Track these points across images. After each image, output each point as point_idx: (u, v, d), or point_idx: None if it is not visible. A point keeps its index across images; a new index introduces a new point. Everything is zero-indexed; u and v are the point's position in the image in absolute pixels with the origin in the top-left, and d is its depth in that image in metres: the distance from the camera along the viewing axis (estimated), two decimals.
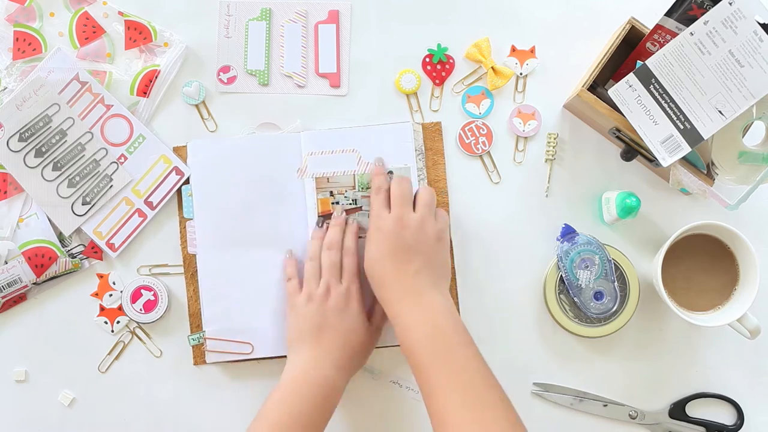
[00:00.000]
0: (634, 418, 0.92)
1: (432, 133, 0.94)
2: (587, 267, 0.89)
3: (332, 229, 0.89)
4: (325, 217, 0.91)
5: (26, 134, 0.88)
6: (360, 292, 0.87)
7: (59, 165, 0.88)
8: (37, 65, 0.92)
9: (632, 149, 0.88)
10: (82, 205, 0.88)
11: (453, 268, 0.92)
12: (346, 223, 0.90)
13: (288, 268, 0.89)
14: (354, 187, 0.92)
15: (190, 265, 0.92)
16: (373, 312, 0.89)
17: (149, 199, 0.91)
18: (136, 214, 0.91)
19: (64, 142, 0.88)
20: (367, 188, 0.92)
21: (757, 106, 0.83)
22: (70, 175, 0.89)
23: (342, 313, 0.85)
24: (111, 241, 0.91)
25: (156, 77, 0.93)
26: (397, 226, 0.84)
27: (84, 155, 0.89)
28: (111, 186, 0.89)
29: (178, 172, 0.90)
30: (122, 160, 0.90)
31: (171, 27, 0.95)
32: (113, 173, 0.89)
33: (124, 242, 0.91)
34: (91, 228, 0.92)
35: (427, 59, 0.95)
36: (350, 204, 0.91)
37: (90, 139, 0.89)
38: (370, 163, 0.92)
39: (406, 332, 0.79)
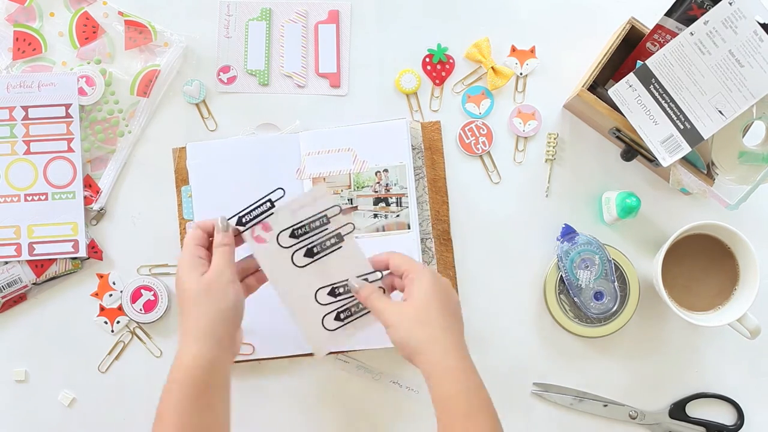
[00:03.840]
0: (634, 418, 0.92)
1: (431, 133, 0.94)
2: (587, 267, 0.89)
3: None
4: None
5: (299, 231, 0.80)
6: (191, 237, 0.78)
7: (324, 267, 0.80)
8: (37, 64, 0.92)
9: (632, 149, 0.88)
10: (334, 320, 0.81)
11: (453, 267, 0.93)
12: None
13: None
14: (350, 186, 0.92)
15: None
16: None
17: None
18: None
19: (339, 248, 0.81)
20: (363, 187, 0.91)
21: (757, 106, 0.83)
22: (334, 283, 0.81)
23: (178, 267, 0.77)
24: None
25: (156, 77, 0.93)
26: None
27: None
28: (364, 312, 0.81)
29: None
30: None
31: (171, 27, 0.95)
32: None
33: None
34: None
35: (427, 59, 0.95)
36: (346, 203, 0.91)
37: None
38: (366, 162, 0.92)
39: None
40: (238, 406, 0.93)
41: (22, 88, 0.92)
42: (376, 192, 0.91)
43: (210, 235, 0.80)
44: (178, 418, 0.72)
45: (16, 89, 0.92)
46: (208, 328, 0.75)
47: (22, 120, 0.92)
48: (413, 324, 0.74)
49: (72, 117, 0.93)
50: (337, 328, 0.80)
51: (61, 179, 0.93)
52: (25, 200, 0.92)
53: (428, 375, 0.74)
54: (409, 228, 0.91)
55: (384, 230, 0.91)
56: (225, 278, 0.76)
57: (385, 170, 0.91)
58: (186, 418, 0.73)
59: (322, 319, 0.80)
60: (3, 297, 0.92)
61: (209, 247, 0.79)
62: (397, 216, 0.91)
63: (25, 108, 0.92)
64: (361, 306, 0.81)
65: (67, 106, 0.93)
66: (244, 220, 0.80)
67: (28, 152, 0.93)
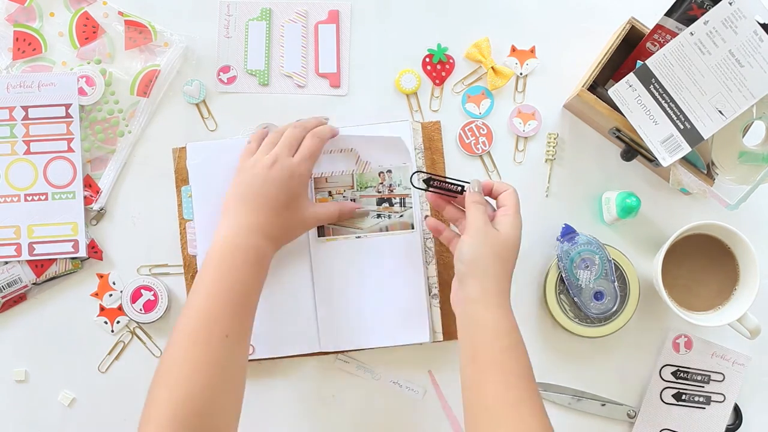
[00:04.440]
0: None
1: (431, 133, 0.94)
2: (587, 267, 0.89)
3: (312, 117, 0.90)
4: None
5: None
6: (308, 171, 0.86)
7: None
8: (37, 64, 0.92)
9: (632, 149, 0.88)
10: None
11: (453, 267, 0.92)
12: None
13: (254, 134, 0.89)
14: (352, 187, 0.92)
15: (190, 266, 0.92)
16: (320, 205, 0.89)
17: None
18: None
19: None
20: (366, 188, 0.91)
21: (757, 106, 0.83)
22: None
23: (281, 187, 0.83)
24: None
25: (156, 77, 0.93)
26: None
27: None
28: None
29: None
30: None
31: (171, 27, 0.95)
32: None
33: None
34: None
35: (427, 59, 0.95)
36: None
37: None
38: (369, 163, 0.92)
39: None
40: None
41: (22, 88, 0.92)
42: (380, 192, 0.92)
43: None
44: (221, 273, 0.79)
45: (16, 89, 0.92)
46: (279, 233, 0.84)
47: (22, 120, 0.92)
48: (489, 249, 0.78)
49: (72, 117, 0.93)
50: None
51: (61, 179, 0.93)
52: (25, 200, 0.92)
53: (471, 300, 0.78)
54: (412, 228, 0.91)
55: (387, 230, 0.91)
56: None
57: (389, 171, 0.91)
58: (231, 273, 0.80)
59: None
60: (3, 297, 0.92)
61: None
62: (401, 216, 0.91)
63: (25, 108, 0.92)
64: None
65: (67, 106, 0.93)
66: (433, 183, 0.84)
67: (28, 152, 0.93)
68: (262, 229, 0.82)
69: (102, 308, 0.93)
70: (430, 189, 0.84)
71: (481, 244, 0.78)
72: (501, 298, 0.78)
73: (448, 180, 0.84)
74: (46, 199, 0.93)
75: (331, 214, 0.89)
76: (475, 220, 0.79)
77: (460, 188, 0.84)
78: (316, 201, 0.91)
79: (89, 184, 0.94)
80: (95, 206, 0.93)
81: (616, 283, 0.89)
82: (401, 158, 0.91)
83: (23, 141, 0.93)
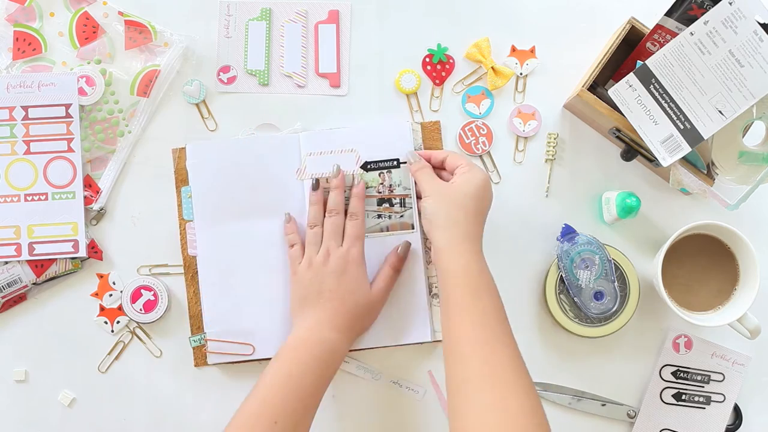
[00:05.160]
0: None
1: (431, 132, 0.94)
2: (587, 267, 0.89)
3: (333, 192, 0.90)
4: (319, 179, 0.91)
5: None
6: (361, 255, 0.87)
7: None
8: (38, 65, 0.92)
9: (632, 149, 0.88)
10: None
11: None
12: (351, 180, 0.91)
13: (290, 234, 0.90)
14: (352, 187, 0.92)
15: (190, 266, 0.92)
16: (376, 276, 0.89)
17: None
18: None
19: None
20: (367, 188, 0.91)
21: (757, 106, 0.83)
22: None
23: (341, 277, 0.86)
24: None
25: (156, 77, 0.93)
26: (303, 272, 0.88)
27: None
28: None
29: None
30: None
31: (171, 27, 0.95)
32: None
33: None
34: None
35: (427, 59, 0.95)
36: (347, 204, 0.91)
37: None
38: (369, 163, 0.92)
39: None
40: (238, 406, 0.93)
41: (22, 88, 0.92)
42: (380, 193, 0.91)
43: None
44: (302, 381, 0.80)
45: (16, 89, 0.92)
46: (349, 323, 0.86)
47: (22, 120, 0.92)
48: (447, 201, 0.84)
49: (72, 117, 0.93)
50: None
51: (61, 179, 0.93)
52: (25, 200, 0.92)
53: (439, 249, 0.82)
54: (413, 228, 0.91)
55: (388, 230, 0.91)
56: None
57: (389, 171, 0.91)
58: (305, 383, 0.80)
59: None
60: (3, 297, 0.92)
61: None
62: (401, 216, 0.91)
63: (25, 108, 0.92)
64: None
65: (67, 106, 0.93)
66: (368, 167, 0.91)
67: (28, 152, 0.93)
68: (331, 321, 0.84)
69: (102, 308, 0.93)
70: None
71: (437, 199, 0.84)
72: (468, 244, 0.82)
73: (380, 162, 0.91)
74: (46, 199, 0.93)
75: (390, 276, 0.89)
76: (427, 182, 0.86)
77: (395, 162, 0.90)
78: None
79: (89, 184, 0.94)
80: (95, 206, 0.93)
81: (616, 283, 0.89)
82: (402, 148, 0.91)
83: (23, 141, 0.93)
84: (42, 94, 0.93)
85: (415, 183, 0.90)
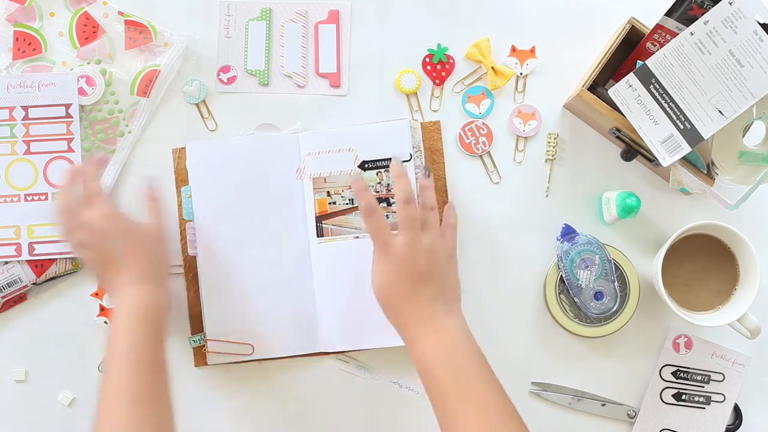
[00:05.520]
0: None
1: (431, 132, 0.94)
2: (587, 267, 0.89)
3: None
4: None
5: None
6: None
7: None
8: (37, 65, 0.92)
9: (632, 149, 0.88)
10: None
11: None
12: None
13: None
14: (351, 187, 0.92)
15: (190, 267, 0.92)
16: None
17: None
18: None
19: None
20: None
21: (757, 106, 0.83)
22: None
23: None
24: None
25: (156, 77, 0.93)
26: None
27: None
28: None
29: None
30: None
31: (171, 27, 0.95)
32: None
33: None
34: None
35: (427, 59, 0.95)
36: (347, 204, 0.91)
37: None
38: (366, 162, 0.92)
39: (424, 356, 0.77)
40: (238, 406, 0.93)
41: (22, 88, 0.92)
42: (378, 192, 0.91)
43: None
44: (137, 354, 0.78)
45: (16, 89, 0.92)
46: (164, 274, 0.86)
47: (22, 120, 0.92)
48: (390, 280, 0.80)
49: (72, 117, 0.93)
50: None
51: (62, 179, 0.92)
52: (25, 200, 0.92)
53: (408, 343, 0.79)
54: None
55: None
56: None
57: (386, 171, 0.91)
58: (147, 353, 0.79)
59: None
60: (3, 297, 0.92)
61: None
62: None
63: (25, 108, 0.92)
64: None
65: (67, 106, 0.93)
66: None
67: (28, 152, 0.93)
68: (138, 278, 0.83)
69: (102, 308, 0.93)
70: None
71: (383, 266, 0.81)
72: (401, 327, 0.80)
73: (378, 161, 0.91)
74: (47, 199, 0.93)
75: (153, 207, 0.88)
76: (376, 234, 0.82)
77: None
78: (315, 201, 0.92)
79: None
80: None
81: (616, 283, 0.89)
82: (401, 147, 0.91)
83: (23, 141, 0.93)
84: (42, 94, 0.93)
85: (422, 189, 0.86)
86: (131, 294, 0.81)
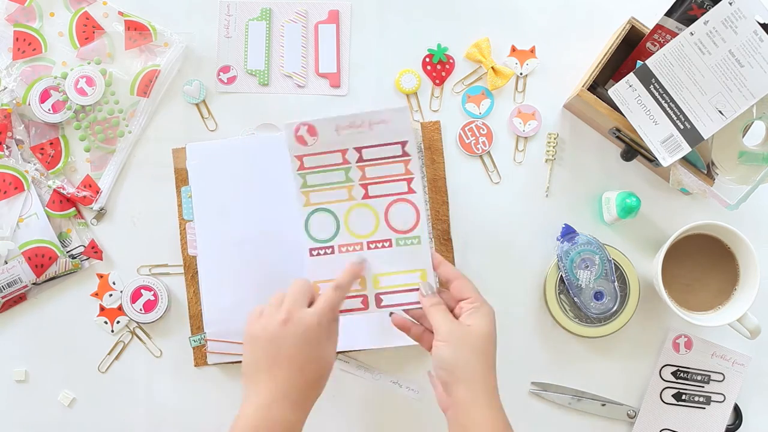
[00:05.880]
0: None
1: (431, 133, 0.94)
2: (587, 267, 0.89)
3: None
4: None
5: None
6: (328, 323, 0.76)
7: None
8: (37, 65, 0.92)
9: (632, 149, 0.88)
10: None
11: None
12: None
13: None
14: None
15: (190, 266, 0.92)
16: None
17: None
18: None
19: None
20: None
21: (757, 106, 0.83)
22: None
23: (301, 342, 0.75)
24: None
25: (156, 77, 0.93)
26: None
27: None
28: None
29: None
30: None
31: (171, 27, 0.95)
32: None
33: None
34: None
35: (427, 59, 0.95)
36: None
37: None
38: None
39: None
40: (238, 406, 0.93)
41: (353, 128, 0.79)
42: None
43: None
44: None
45: (347, 130, 0.79)
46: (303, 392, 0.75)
47: (357, 162, 0.81)
48: (469, 349, 0.73)
49: (410, 155, 0.80)
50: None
51: (404, 223, 0.82)
52: (368, 248, 0.81)
53: (461, 404, 0.73)
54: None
55: None
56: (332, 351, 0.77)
57: (385, 161, 0.91)
58: None
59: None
60: (3, 297, 0.92)
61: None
62: None
63: (359, 149, 0.80)
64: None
65: (403, 144, 0.80)
66: None
67: (366, 196, 0.81)
68: (287, 397, 0.73)
69: (102, 308, 0.93)
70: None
71: (457, 346, 0.73)
72: (491, 397, 0.73)
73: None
74: (390, 246, 0.81)
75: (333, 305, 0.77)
76: (442, 323, 0.75)
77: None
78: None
79: (89, 184, 0.94)
80: (95, 206, 0.93)
81: (616, 283, 0.89)
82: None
83: (360, 185, 0.81)
84: (375, 133, 0.79)
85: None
86: (261, 409, 0.73)
